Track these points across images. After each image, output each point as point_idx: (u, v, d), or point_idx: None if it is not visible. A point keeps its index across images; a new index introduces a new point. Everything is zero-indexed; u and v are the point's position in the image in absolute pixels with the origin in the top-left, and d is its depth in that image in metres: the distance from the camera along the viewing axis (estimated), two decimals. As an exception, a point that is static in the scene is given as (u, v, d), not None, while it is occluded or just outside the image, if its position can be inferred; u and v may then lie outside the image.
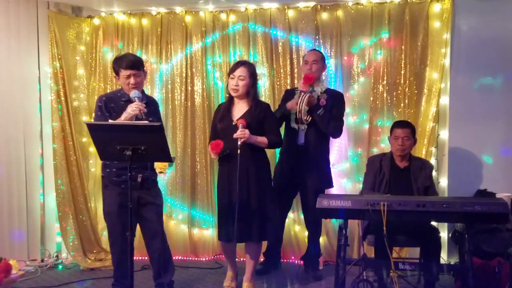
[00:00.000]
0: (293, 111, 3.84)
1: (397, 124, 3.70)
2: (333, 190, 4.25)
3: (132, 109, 3.09)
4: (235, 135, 3.36)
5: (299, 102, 3.71)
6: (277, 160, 4.17)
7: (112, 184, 3.30)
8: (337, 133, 3.99)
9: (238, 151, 3.34)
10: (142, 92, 3.35)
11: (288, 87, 4.35)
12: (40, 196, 4.53)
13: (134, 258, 3.16)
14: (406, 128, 3.62)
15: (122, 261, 3.23)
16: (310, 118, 3.79)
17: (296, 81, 4.39)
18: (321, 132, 3.89)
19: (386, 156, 3.68)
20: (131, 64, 3.21)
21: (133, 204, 2.89)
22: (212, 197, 4.52)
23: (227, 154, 3.48)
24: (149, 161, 3.28)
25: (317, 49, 4.22)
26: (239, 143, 3.34)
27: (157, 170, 3.50)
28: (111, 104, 3.25)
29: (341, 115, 3.99)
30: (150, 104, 3.40)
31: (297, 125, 3.87)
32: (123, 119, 3.09)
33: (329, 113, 3.85)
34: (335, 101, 3.94)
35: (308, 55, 4.01)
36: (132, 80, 3.21)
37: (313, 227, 4.05)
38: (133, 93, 3.17)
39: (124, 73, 3.22)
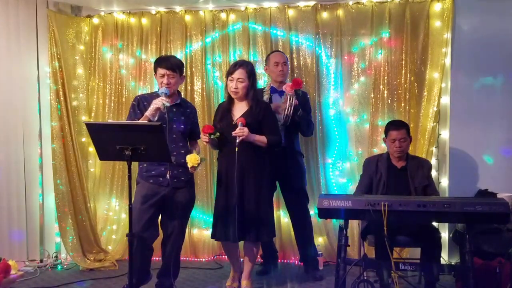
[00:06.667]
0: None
1: (392, 126, 3.62)
2: (333, 190, 4.37)
3: (155, 102, 3.21)
4: (233, 133, 3.36)
5: (287, 105, 3.70)
6: None
7: (142, 179, 3.39)
8: (312, 132, 4.11)
9: (236, 149, 3.35)
10: (179, 93, 3.49)
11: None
12: (39, 196, 4.51)
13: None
14: (401, 129, 3.56)
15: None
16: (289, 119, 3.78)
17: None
18: (294, 131, 3.95)
19: (383, 157, 3.66)
20: (169, 65, 3.32)
21: (158, 200, 3.17)
22: (212, 197, 4.50)
23: (225, 154, 3.49)
24: (149, 161, 3.29)
25: (281, 50, 4.22)
26: (237, 141, 3.34)
27: (189, 165, 3.24)
28: (144, 103, 3.36)
29: (310, 114, 4.08)
30: (183, 106, 3.47)
31: None
32: (148, 114, 3.22)
33: (305, 113, 3.88)
34: (304, 100, 3.95)
35: (277, 57, 3.98)
36: (165, 80, 3.32)
37: (306, 228, 4.02)
38: (161, 90, 3.28)
39: (159, 71, 3.34)
